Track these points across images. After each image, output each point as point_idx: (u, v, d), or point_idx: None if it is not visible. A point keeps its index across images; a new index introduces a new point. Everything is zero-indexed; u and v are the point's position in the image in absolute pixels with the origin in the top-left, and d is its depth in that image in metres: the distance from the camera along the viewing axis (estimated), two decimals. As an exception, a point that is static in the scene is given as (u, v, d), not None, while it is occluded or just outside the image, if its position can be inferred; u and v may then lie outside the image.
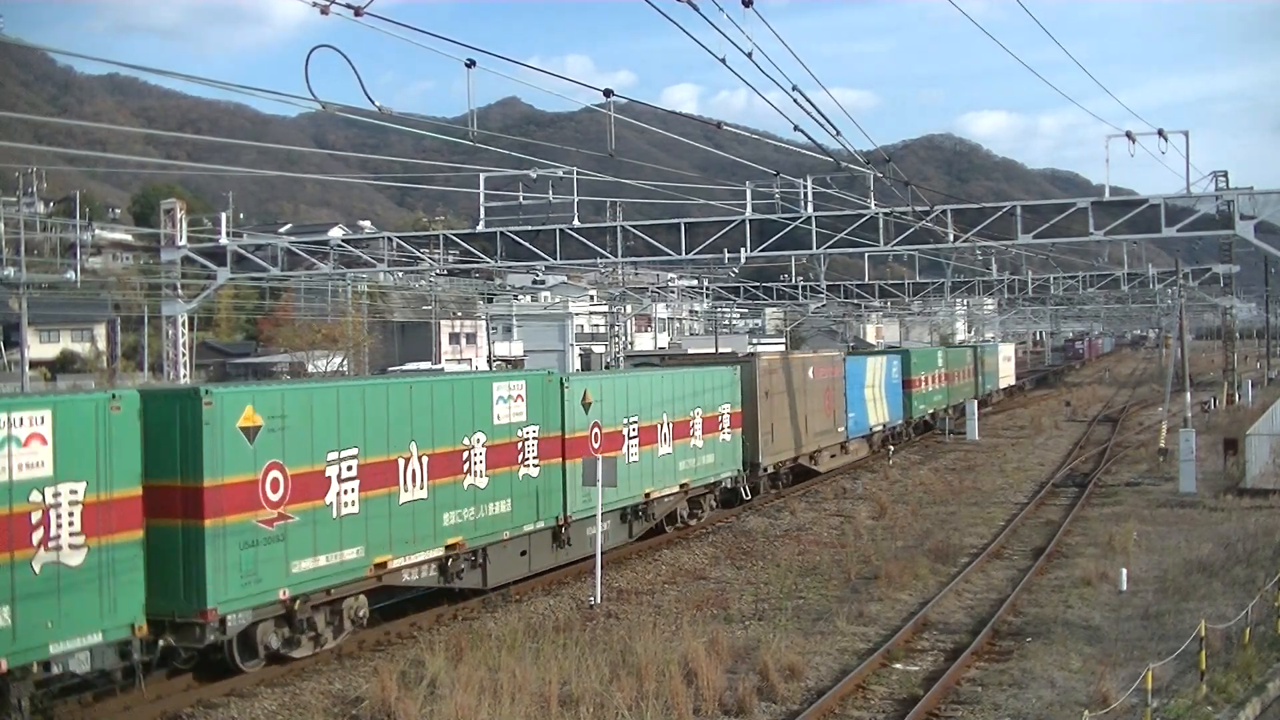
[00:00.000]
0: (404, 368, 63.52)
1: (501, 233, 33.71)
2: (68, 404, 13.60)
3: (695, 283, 71.57)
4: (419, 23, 14.28)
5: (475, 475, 19.93)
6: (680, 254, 33.29)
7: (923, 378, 51.51)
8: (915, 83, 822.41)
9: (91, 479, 13.51)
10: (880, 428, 45.04)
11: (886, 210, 31.02)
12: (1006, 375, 78.97)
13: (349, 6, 12.96)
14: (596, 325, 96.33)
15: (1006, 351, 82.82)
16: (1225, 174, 30.06)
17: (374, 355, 74.74)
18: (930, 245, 34.30)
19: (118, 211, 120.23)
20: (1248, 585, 20.64)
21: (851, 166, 26.75)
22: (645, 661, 15.97)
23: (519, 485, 21.11)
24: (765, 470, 32.80)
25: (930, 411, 53.49)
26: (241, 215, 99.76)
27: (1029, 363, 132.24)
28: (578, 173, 32.40)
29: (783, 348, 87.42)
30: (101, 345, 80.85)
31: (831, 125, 18.82)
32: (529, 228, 33.69)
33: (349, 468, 16.97)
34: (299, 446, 16.09)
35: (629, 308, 70.52)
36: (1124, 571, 22.02)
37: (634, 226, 33.61)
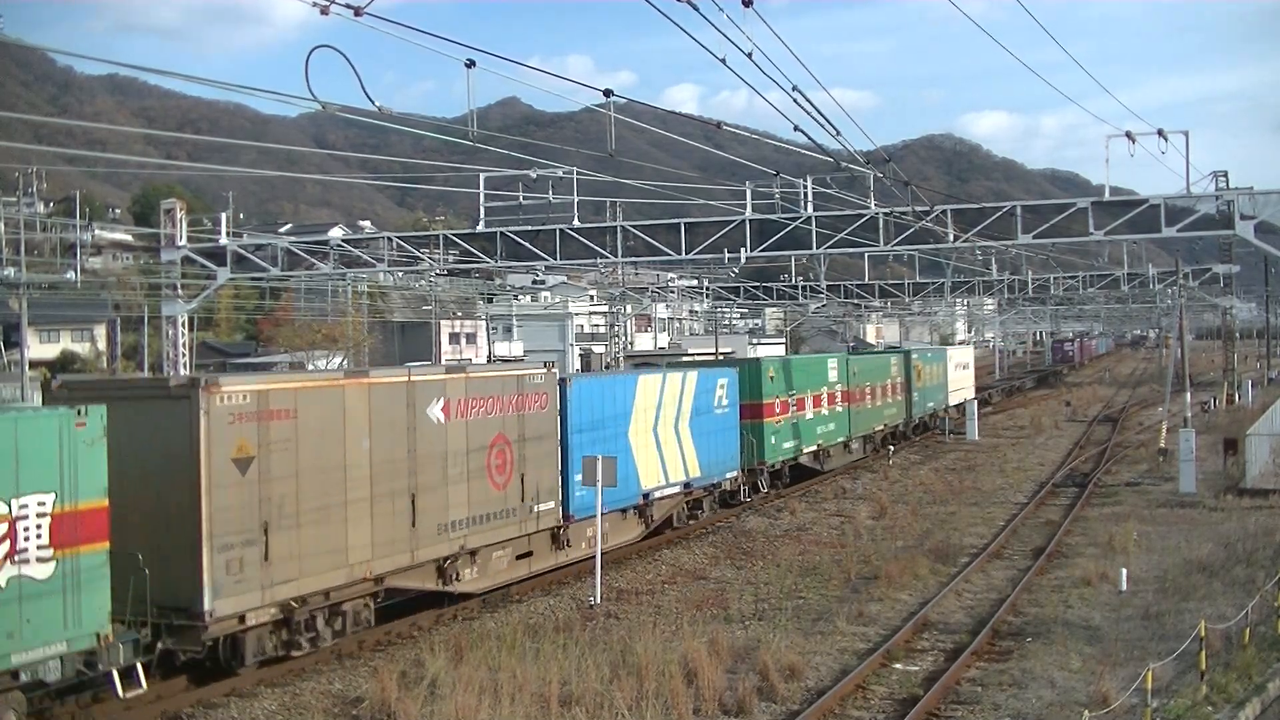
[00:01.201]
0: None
1: (501, 233, 33.71)
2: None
3: (695, 283, 71.60)
4: (419, 23, 14.28)
5: None
6: (680, 254, 33.29)
7: (787, 402, 34.85)
8: (915, 83, 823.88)
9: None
10: (679, 488, 27.97)
11: (886, 210, 31.02)
12: (961, 388, 60.69)
13: (349, 6, 12.95)
14: (596, 325, 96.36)
15: (960, 357, 64.23)
16: (1225, 174, 30.06)
17: (374, 355, 74.69)
18: (930, 245, 34.29)
19: (118, 211, 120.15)
20: (1248, 585, 20.65)
21: (851, 166, 26.75)
22: (645, 661, 15.99)
23: None
24: (243, 623, 16.10)
25: (811, 449, 37.03)
26: (241, 215, 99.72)
27: (1028, 363, 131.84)
28: (578, 173, 32.40)
29: (783, 348, 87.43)
30: (101, 345, 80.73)
31: (831, 125, 18.82)
32: (529, 228, 33.70)
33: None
34: None
35: (629, 308, 70.57)
36: (1124, 571, 22.03)
37: (634, 226, 33.62)
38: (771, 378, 34.00)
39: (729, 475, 30.80)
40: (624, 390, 26.19)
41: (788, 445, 35.13)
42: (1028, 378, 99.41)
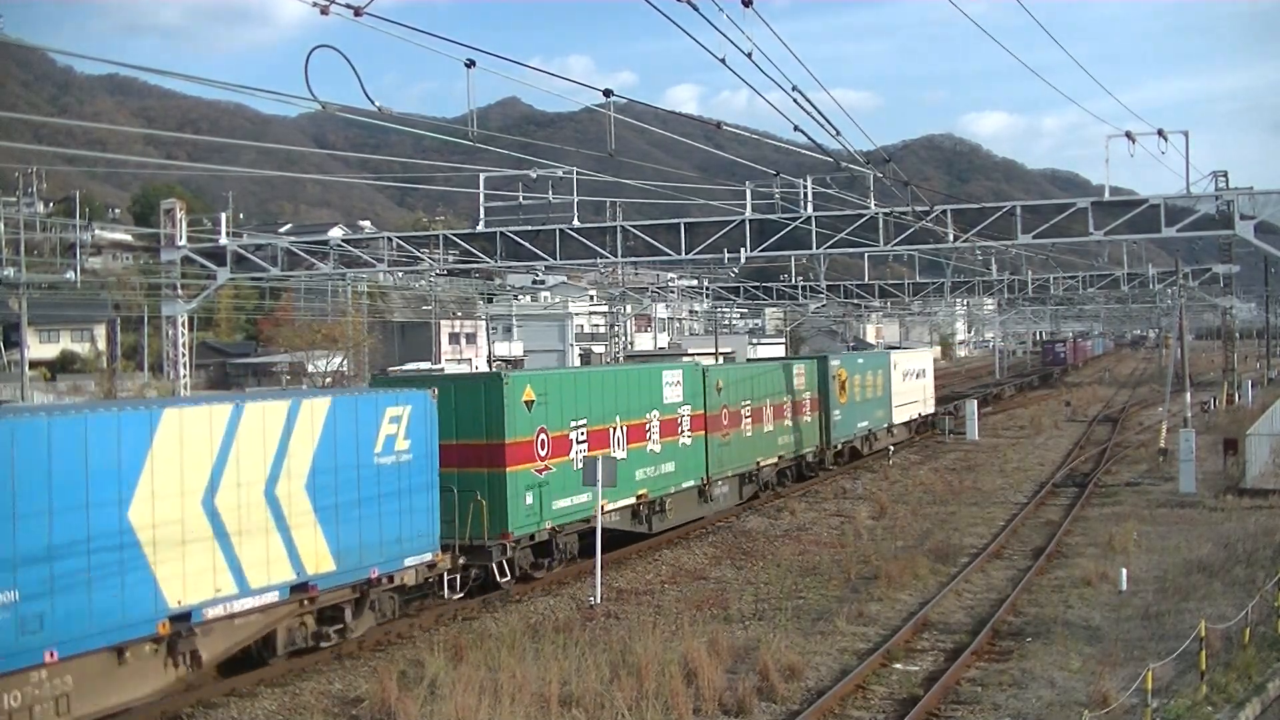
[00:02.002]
0: (404, 368, 63.52)
1: (501, 233, 33.72)
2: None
3: (695, 283, 71.63)
4: (419, 23, 14.27)
5: None
6: (680, 254, 33.29)
7: (566, 437, 23.54)
8: (915, 83, 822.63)
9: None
10: (279, 594, 16.58)
11: (886, 210, 31.03)
12: (912, 401, 49.52)
13: (349, 6, 12.95)
14: (596, 325, 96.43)
15: (912, 363, 51.06)
16: (1225, 174, 30.08)
17: (374, 355, 74.74)
18: (930, 245, 34.32)
19: (118, 211, 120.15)
20: (1248, 585, 20.65)
21: (851, 166, 26.76)
22: (645, 661, 15.98)
23: None
24: None
25: (625, 504, 25.60)
26: (241, 215, 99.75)
27: (1028, 363, 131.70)
28: (577, 173, 32.42)
29: (783, 349, 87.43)
30: (101, 345, 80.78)
31: (831, 125, 18.84)
32: (529, 228, 33.71)
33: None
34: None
35: (629, 308, 70.62)
36: (1124, 571, 22.03)
37: (634, 226, 33.63)
38: (531, 401, 22.38)
39: (412, 562, 19.16)
40: (116, 436, 14.32)
41: (565, 504, 23.36)
42: (1009, 383, 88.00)
